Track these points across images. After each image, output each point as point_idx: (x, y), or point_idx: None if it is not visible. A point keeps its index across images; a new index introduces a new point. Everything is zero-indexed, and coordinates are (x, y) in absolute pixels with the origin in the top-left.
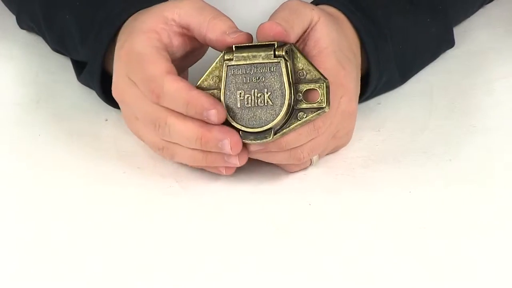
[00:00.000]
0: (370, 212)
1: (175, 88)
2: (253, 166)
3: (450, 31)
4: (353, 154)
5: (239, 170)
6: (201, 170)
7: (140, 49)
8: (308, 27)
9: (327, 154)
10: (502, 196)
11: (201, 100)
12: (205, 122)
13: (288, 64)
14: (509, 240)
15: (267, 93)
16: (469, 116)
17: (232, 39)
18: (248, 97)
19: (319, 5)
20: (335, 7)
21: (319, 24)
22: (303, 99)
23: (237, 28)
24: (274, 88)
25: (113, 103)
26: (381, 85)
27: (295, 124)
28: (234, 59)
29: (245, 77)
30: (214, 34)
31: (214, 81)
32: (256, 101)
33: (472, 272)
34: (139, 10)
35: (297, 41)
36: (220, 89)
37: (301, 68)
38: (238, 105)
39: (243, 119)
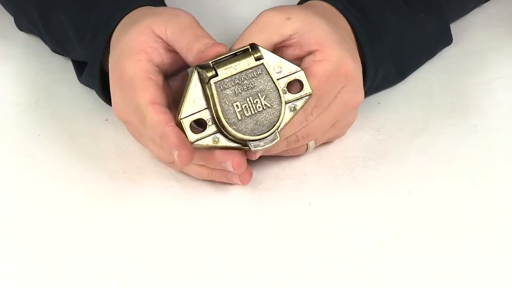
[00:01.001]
0: (370, 212)
1: (154, 121)
2: (253, 166)
3: (446, 27)
4: (353, 154)
5: None
6: None
7: (130, 73)
8: (287, 37)
9: (323, 144)
10: (502, 196)
11: (170, 138)
12: None
13: (268, 63)
14: (509, 240)
15: (262, 97)
16: (469, 116)
17: (205, 54)
18: (245, 106)
19: (313, 1)
20: (329, 2)
21: (307, 26)
22: (287, 92)
23: (213, 42)
24: (267, 90)
25: None
26: (378, 81)
27: (291, 117)
28: (218, 74)
29: (235, 88)
30: (192, 56)
31: (197, 103)
32: (254, 108)
33: (472, 272)
34: (133, 9)
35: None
36: (211, 107)
37: (275, 64)
38: (238, 117)
39: (247, 129)
